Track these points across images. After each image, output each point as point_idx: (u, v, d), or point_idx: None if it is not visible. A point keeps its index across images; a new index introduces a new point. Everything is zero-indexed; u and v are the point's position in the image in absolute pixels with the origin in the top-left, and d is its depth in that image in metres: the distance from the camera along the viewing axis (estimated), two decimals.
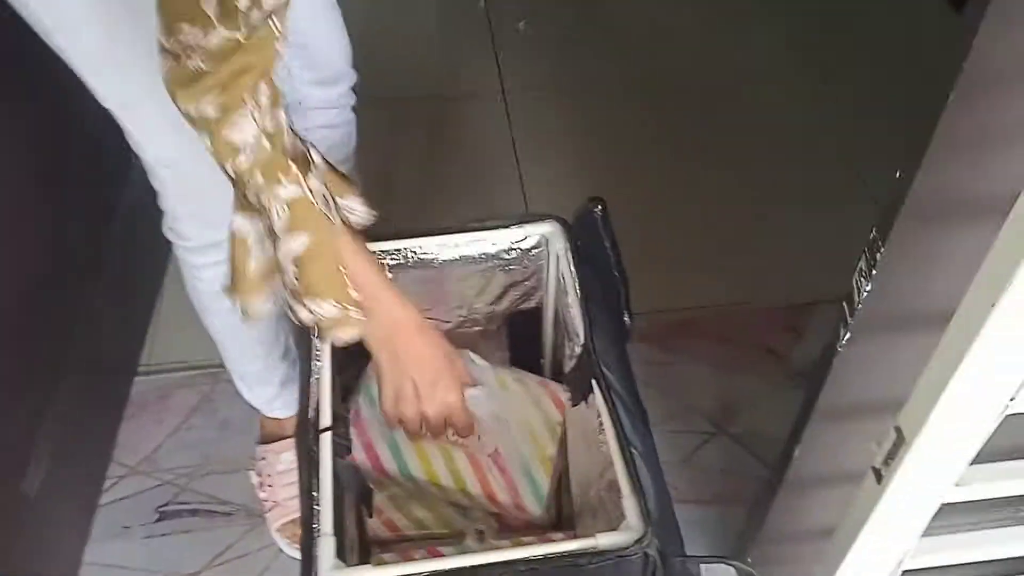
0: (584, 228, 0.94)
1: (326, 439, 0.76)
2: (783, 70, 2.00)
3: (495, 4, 2.17)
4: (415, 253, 0.93)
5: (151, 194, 0.95)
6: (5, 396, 1.04)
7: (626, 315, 0.90)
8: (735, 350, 1.49)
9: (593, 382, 0.80)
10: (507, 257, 0.96)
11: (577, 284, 0.88)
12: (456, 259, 0.95)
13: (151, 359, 1.45)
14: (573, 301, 0.87)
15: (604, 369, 0.80)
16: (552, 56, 2.04)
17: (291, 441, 1.02)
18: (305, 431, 0.77)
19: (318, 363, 0.83)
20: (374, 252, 0.88)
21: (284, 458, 1.23)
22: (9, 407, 1.05)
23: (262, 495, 1.24)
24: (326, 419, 0.77)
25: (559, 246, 0.92)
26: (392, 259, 0.93)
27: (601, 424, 0.78)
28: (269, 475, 1.24)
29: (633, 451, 0.75)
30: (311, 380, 0.82)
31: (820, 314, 1.50)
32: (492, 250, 0.95)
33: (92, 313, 1.26)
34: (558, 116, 1.89)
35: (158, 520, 1.26)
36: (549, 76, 1.99)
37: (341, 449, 0.81)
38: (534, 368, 1.07)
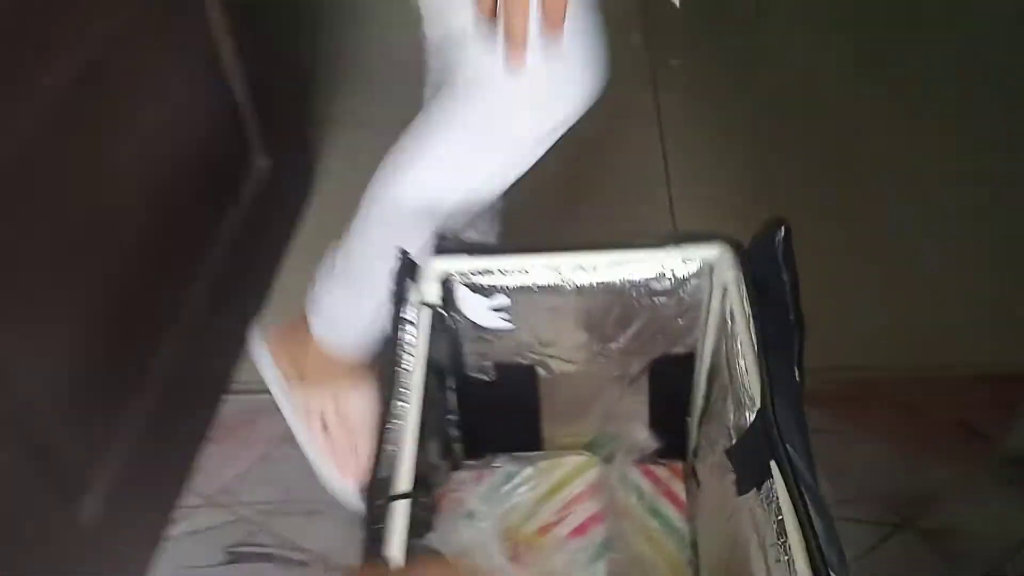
0: (760, 256, 0.72)
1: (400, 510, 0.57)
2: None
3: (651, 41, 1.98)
4: (543, 273, 0.74)
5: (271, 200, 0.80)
6: (70, 405, 0.91)
7: (796, 372, 0.67)
8: (925, 425, 1.21)
9: (773, 465, 0.58)
10: (657, 287, 0.75)
11: (754, 330, 0.66)
12: (592, 285, 0.75)
13: (244, 375, 1.32)
14: (747, 351, 0.65)
15: (788, 449, 0.57)
16: (710, 96, 1.81)
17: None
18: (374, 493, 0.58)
19: (404, 392, 0.64)
20: (493, 269, 0.69)
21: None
22: (72, 419, 0.92)
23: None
24: (405, 479, 0.58)
25: (729, 276, 0.71)
26: (512, 279, 0.74)
27: (782, 531, 0.55)
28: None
29: None
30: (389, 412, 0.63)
31: None
32: (639, 277, 0.74)
33: (187, 318, 1.14)
34: (714, 146, 1.66)
35: (229, 562, 1.10)
36: (706, 112, 1.76)
37: (420, 526, 0.61)
38: (676, 427, 0.85)
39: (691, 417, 0.86)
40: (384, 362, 0.65)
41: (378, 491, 0.57)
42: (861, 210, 1.50)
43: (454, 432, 0.83)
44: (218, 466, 1.21)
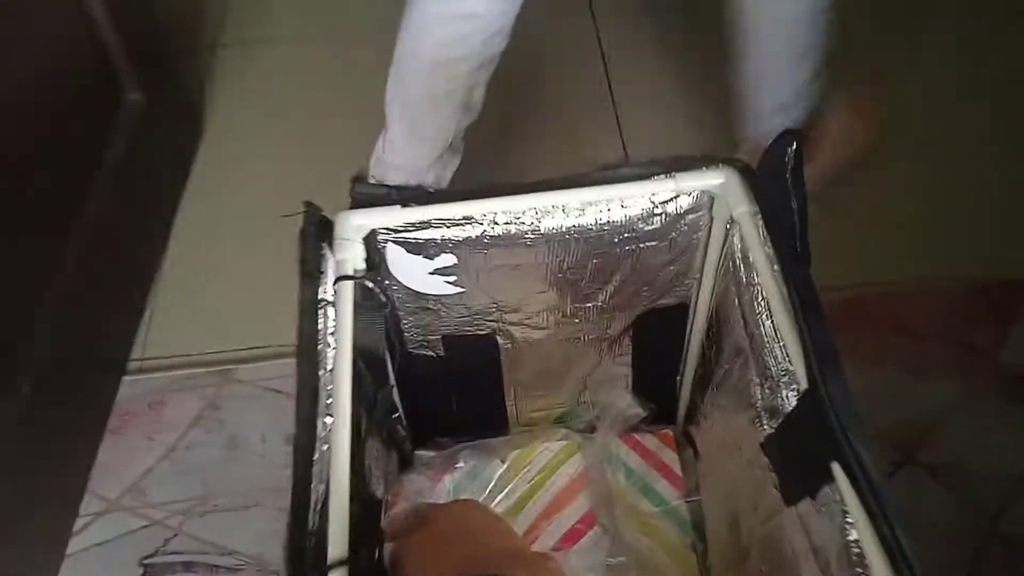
0: (768, 180, 0.56)
1: None
2: None
3: None
4: (498, 222, 0.56)
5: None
6: None
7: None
8: (921, 345, 1.09)
9: (836, 469, 0.43)
10: (644, 229, 0.58)
11: (780, 275, 0.50)
12: (561, 232, 0.58)
13: (144, 352, 1.12)
14: (777, 309, 0.50)
15: (855, 445, 0.42)
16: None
17: None
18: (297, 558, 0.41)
19: (328, 403, 0.47)
20: (431, 221, 0.52)
21: None
22: None
23: None
24: (339, 545, 0.41)
25: (740, 210, 0.54)
26: (457, 232, 0.57)
27: (859, 555, 0.41)
28: None
29: None
30: (315, 449, 0.46)
31: None
32: (620, 217, 0.58)
33: (68, 281, 0.93)
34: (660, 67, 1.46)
35: None
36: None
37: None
38: (663, 389, 0.70)
39: (682, 377, 0.71)
40: (298, 361, 0.48)
41: (303, 557, 0.41)
42: None
43: (400, 432, 0.67)
44: (122, 462, 1.03)
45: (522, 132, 1.29)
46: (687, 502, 0.70)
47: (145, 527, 0.97)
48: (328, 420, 0.46)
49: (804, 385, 0.46)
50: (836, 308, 1.08)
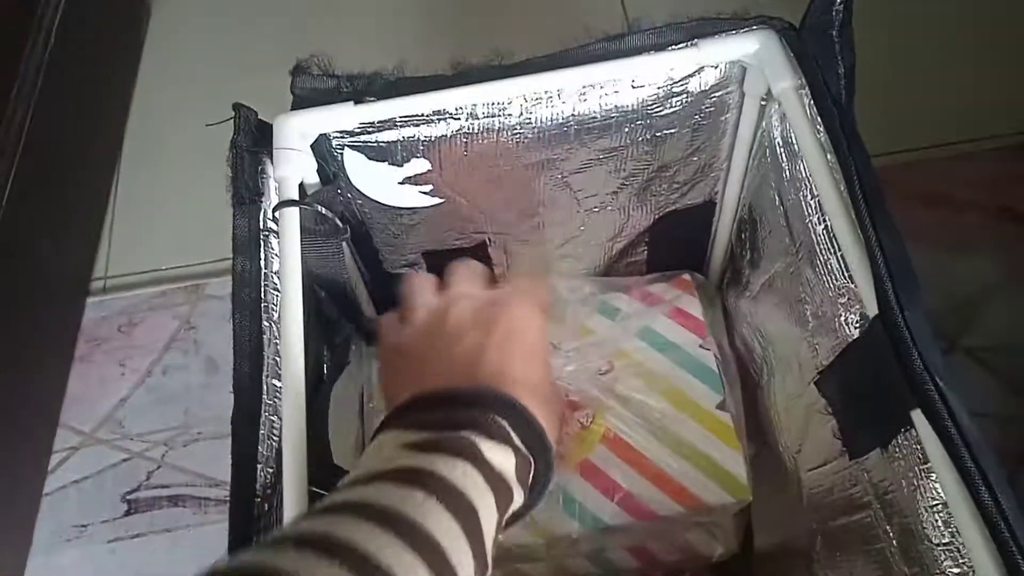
0: (813, 39, 0.45)
1: None
2: None
3: None
4: (478, 116, 0.45)
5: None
6: None
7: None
8: (957, 217, 0.98)
9: (918, 417, 0.33)
10: (660, 113, 0.47)
11: (835, 165, 0.39)
12: (559, 123, 0.46)
13: (108, 270, 1.02)
14: (834, 206, 0.39)
15: (943, 388, 0.33)
16: None
17: None
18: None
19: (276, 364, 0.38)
20: (396, 119, 0.41)
21: None
22: None
23: None
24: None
25: (782, 83, 0.43)
26: (430, 130, 0.45)
27: (948, 524, 0.32)
28: None
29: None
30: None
31: None
32: (631, 100, 0.46)
33: (8, 209, 0.83)
34: None
35: (127, 513, 0.87)
36: None
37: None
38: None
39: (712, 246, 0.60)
40: (233, 313, 0.38)
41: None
42: None
43: None
44: (95, 392, 0.95)
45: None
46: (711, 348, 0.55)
47: (125, 460, 0.91)
48: (276, 383, 0.37)
49: (872, 310, 0.36)
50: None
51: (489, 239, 0.53)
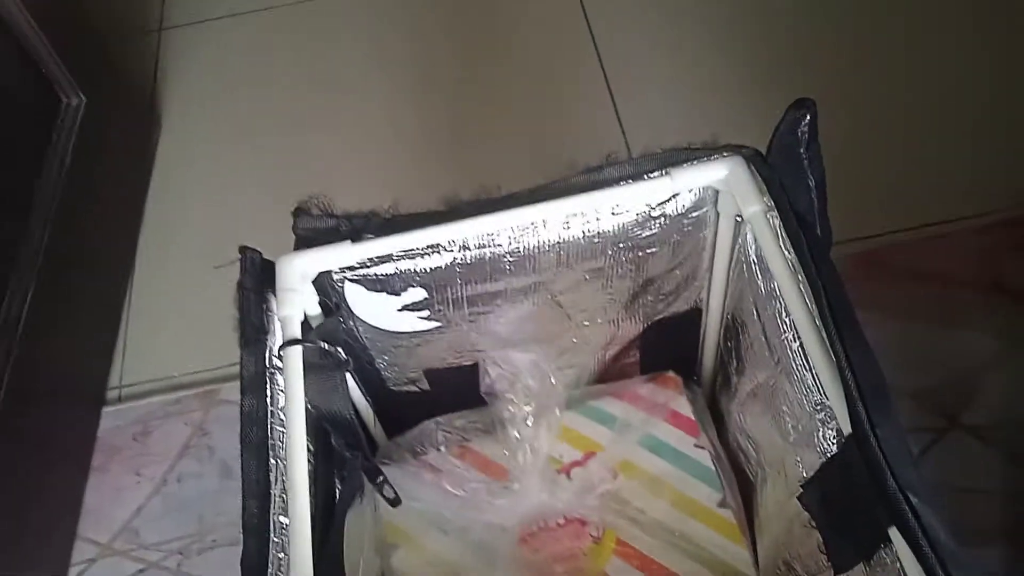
0: (781, 159, 0.48)
1: None
2: None
3: None
4: (470, 247, 0.48)
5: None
6: None
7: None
8: (945, 293, 1.00)
9: (894, 534, 0.35)
10: (640, 235, 0.50)
11: (807, 287, 0.42)
12: (546, 249, 0.49)
13: (123, 379, 1.05)
14: (805, 326, 0.41)
15: (915, 504, 0.35)
16: None
17: None
18: None
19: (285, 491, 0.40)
20: (393, 254, 0.44)
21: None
22: None
23: None
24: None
25: (752, 210, 0.46)
26: (425, 262, 0.48)
27: None
28: None
29: None
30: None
31: None
32: (612, 225, 0.49)
33: (26, 324, 0.86)
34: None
35: None
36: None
37: None
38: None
39: (699, 378, 0.63)
40: (243, 454, 0.40)
41: None
42: (835, 76, 1.21)
43: (389, 492, 0.59)
44: (111, 502, 0.97)
45: (494, 128, 1.17)
46: (706, 449, 0.57)
47: (142, 571, 0.92)
48: (283, 520, 0.39)
49: (847, 428, 0.38)
50: (849, 262, 1.01)
51: (484, 359, 0.56)
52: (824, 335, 0.40)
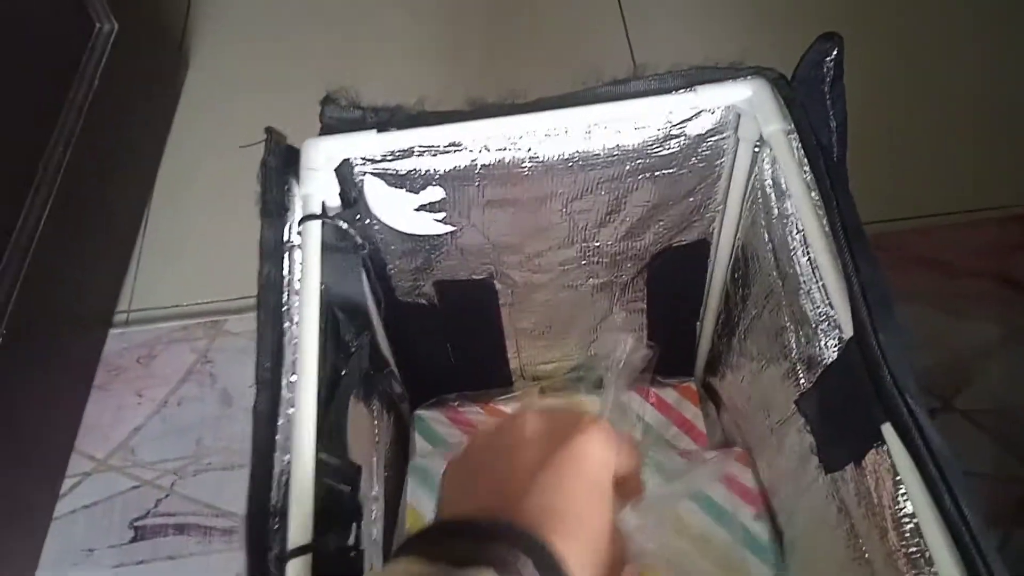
0: (803, 91, 0.48)
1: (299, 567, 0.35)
2: None
3: None
4: (490, 148, 0.49)
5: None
6: None
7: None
8: (957, 282, 1.01)
9: (888, 431, 0.36)
10: (660, 154, 0.51)
11: (820, 203, 0.43)
12: (565, 159, 0.50)
13: (132, 303, 1.06)
14: (815, 242, 0.42)
15: (911, 403, 0.35)
16: None
17: None
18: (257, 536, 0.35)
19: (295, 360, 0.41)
20: (415, 148, 0.45)
21: None
22: None
23: None
24: (300, 529, 0.35)
25: (772, 128, 0.46)
26: (445, 160, 0.49)
27: (910, 524, 0.34)
28: None
29: None
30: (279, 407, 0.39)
31: None
32: (632, 142, 0.50)
33: (44, 227, 0.87)
34: None
35: (133, 540, 0.89)
36: None
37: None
38: (685, 343, 0.64)
39: (702, 323, 0.64)
40: (258, 313, 0.41)
41: (264, 540, 0.35)
42: (867, 44, 1.22)
43: (395, 388, 0.60)
44: (110, 419, 0.98)
45: (517, 41, 1.21)
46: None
47: (135, 487, 0.93)
48: (293, 379, 0.40)
49: (848, 332, 0.38)
50: (876, 243, 1.02)
51: (495, 273, 0.57)
52: (835, 248, 0.41)
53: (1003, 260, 1.03)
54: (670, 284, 0.61)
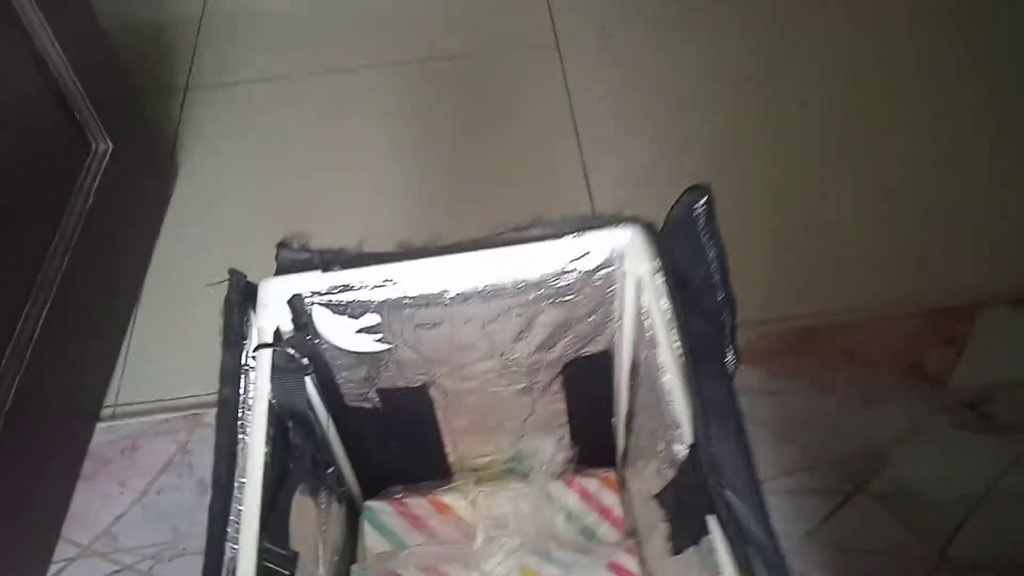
0: (679, 233, 0.59)
1: None
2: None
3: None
4: (416, 283, 0.60)
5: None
6: None
7: (730, 353, 0.55)
8: (871, 373, 1.11)
9: (712, 522, 0.45)
10: (560, 285, 0.61)
11: (678, 335, 0.53)
12: (479, 291, 0.60)
13: (119, 398, 1.15)
14: (669, 367, 0.52)
15: (730, 497, 0.45)
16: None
17: None
18: None
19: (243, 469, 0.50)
20: (353, 284, 0.55)
21: None
22: None
23: None
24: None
25: (642, 268, 0.57)
26: (379, 293, 0.60)
27: None
28: None
29: None
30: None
31: (987, 320, 1.11)
32: (536, 276, 0.61)
33: (38, 333, 0.97)
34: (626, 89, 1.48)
35: None
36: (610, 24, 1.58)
37: None
38: (604, 436, 0.73)
39: (616, 418, 0.74)
40: (217, 428, 0.51)
41: None
42: (777, 157, 1.35)
43: (340, 485, 0.69)
44: (95, 507, 1.06)
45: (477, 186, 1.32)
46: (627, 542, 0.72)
47: (116, 572, 1.00)
48: (243, 480, 0.49)
49: (690, 439, 0.48)
50: (787, 338, 1.12)
51: (428, 382, 0.67)
52: (682, 369, 0.51)
53: (915, 352, 1.13)
54: (584, 388, 0.71)
